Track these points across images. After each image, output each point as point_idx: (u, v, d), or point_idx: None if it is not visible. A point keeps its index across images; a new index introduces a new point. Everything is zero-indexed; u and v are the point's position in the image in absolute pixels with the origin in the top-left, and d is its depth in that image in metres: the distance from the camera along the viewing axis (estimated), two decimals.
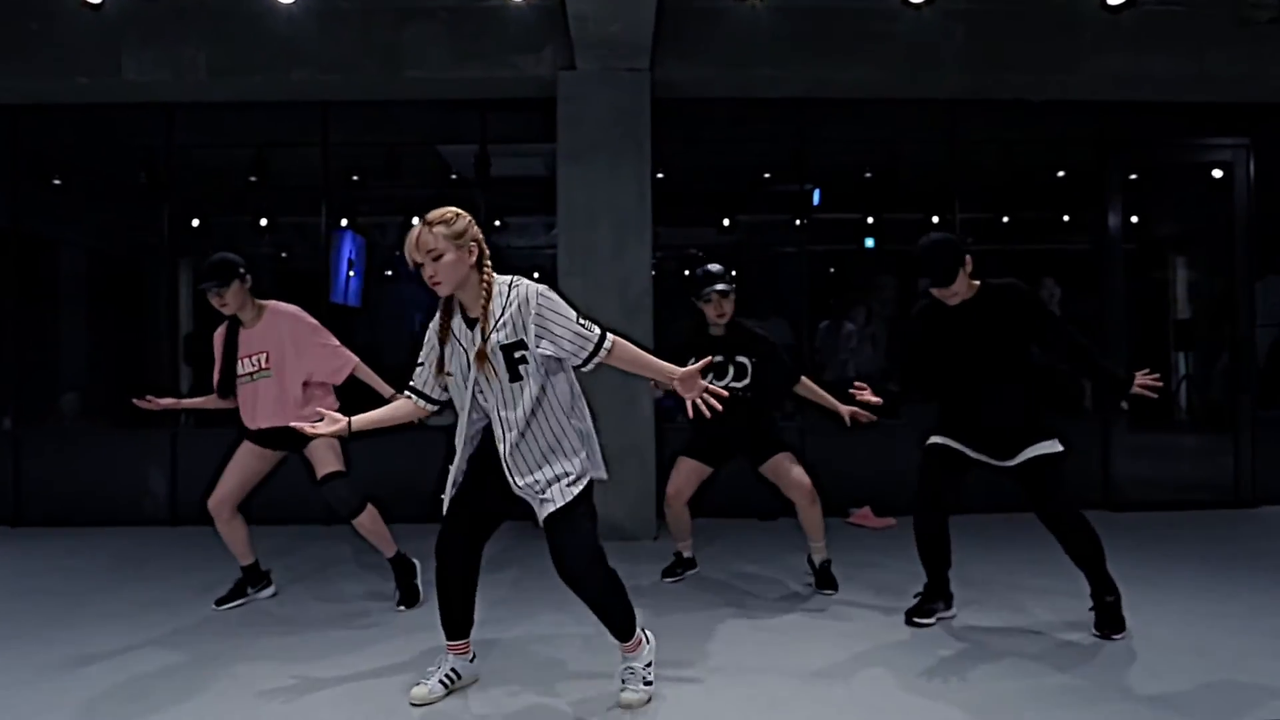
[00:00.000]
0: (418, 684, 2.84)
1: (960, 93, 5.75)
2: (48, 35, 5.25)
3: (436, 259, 2.56)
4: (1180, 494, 6.03)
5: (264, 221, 6.82)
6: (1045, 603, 3.81)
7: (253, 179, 6.46)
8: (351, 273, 7.02)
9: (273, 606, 3.95)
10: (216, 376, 3.86)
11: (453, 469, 2.76)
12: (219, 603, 3.89)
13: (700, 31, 5.33)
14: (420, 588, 3.92)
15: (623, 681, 2.82)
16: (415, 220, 2.67)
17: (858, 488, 5.81)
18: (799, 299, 6.23)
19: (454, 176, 6.62)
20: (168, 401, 3.88)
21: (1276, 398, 6.38)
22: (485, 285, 2.63)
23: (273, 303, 3.87)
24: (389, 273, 7.26)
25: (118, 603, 4.02)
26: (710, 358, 2.71)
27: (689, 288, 4.04)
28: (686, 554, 4.41)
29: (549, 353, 2.63)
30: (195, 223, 6.85)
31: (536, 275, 5.86)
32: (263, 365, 3.78)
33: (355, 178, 6.83)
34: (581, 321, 2.64)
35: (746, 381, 4.03)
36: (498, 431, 2.66)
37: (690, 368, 2.65)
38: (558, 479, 2.67)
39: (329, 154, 5.95)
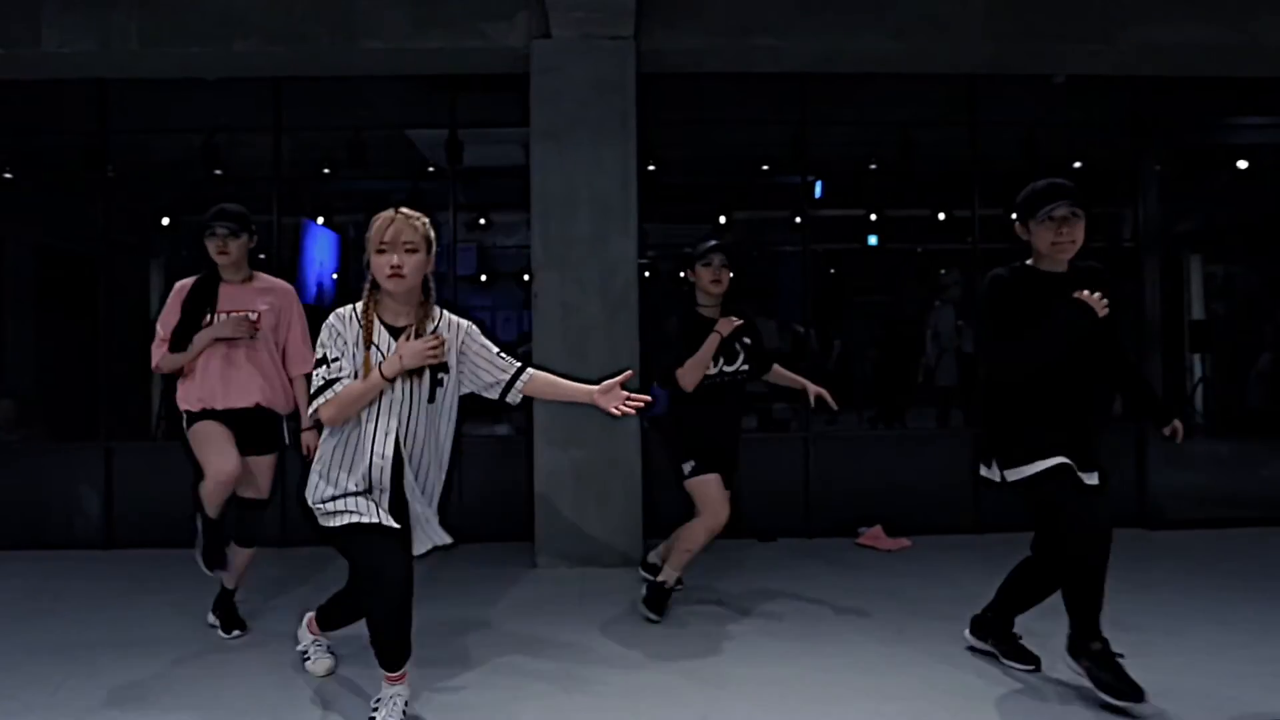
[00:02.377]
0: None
1: (982, 66, 5.19)
2: None
3: (410, 252, 2.49)
4: (1224, 509, 5.46)
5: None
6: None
7: (218, 171, 5.87)
8: (335, 275, 6.55)
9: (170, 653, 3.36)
10: (170, 329, 3.34)
11: (349, 484, 2.52)
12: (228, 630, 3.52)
13: None
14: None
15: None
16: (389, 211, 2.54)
17: (867, 506, 5.27)
18: (800, 301, 5.66)
19: (431, 169, 6.04)
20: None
21: None
22: (429, 293, 2.62)
23: (262, 274, 3.55)
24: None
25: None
26: (630, 371, 2.66)
27: (685, 261, 3.84)
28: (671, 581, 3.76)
29: (466, 386, 2.66)
30: (165, 221, 6.33)
31: (527, 278, 5.36)
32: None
33: (323, 170, 6.29)
34: (501, 354, 2.67)
35: (745, 365, 3.75)
36: (404, 450, 2.54)
37: (608, 382, 2.56)
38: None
39: (281, 140, 5.37)
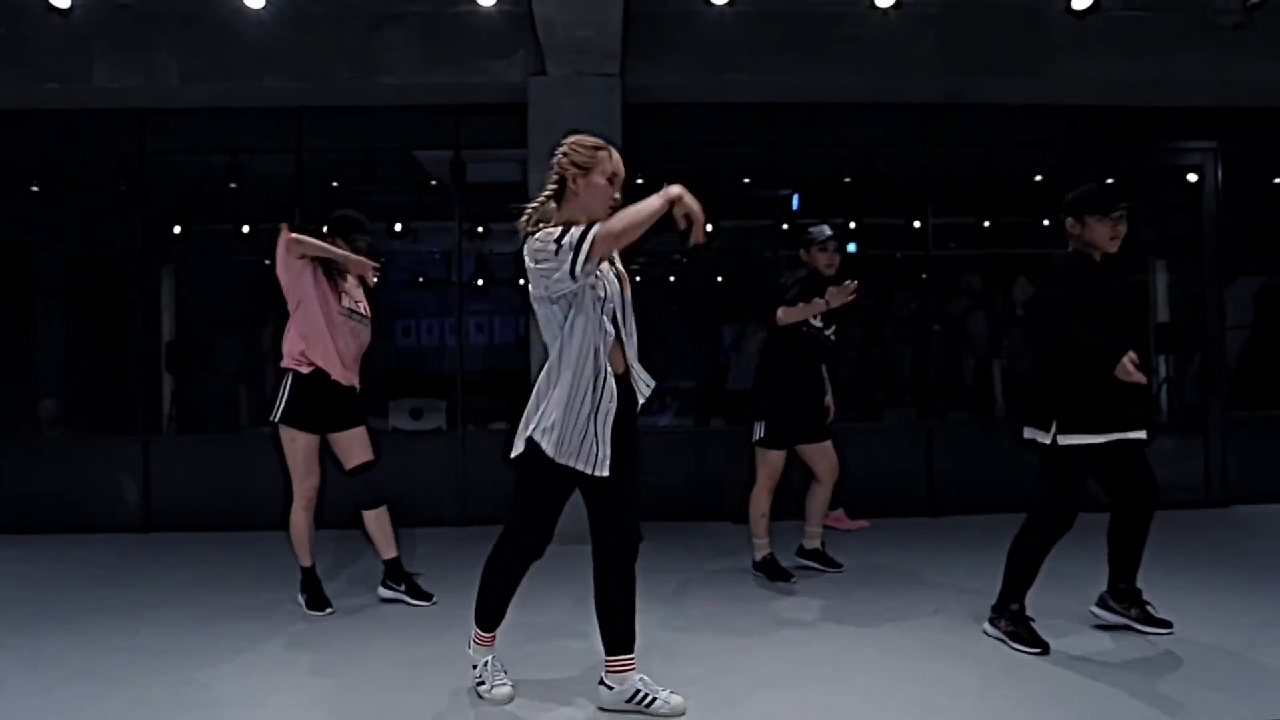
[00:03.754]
0: (498, 687, 2.83)
1: (932, 97, 5.79)
2: (17, 41, 5.23)
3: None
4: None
5: (246, 229, 6.84)
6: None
7: (233, 185, 6.45)
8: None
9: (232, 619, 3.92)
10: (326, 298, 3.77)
11: (598, 419, 2.61)
12: (316, 608, 3.85)
13: (670, 36, 5.36)
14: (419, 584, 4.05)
15: (646, 705, 2.70)
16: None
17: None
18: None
19: (434, 182, 6.62)
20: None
21: (1248, 400, 6.44)
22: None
23: None
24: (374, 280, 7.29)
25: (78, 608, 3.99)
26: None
27: (803, 243, 4.37)
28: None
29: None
30: (177, 229, 6.88)
31: (522, 282, 5.97)
32: (365, 312, 3.93)
33: (335, 184, 6.85)
34: None
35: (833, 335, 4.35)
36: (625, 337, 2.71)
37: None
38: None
39: (304, 160, 5.94)
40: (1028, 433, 3.33)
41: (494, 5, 5.03)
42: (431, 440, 6.14)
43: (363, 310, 3.94)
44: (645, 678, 2.75)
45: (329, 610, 3.85)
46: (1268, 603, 3.77)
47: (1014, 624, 3.29)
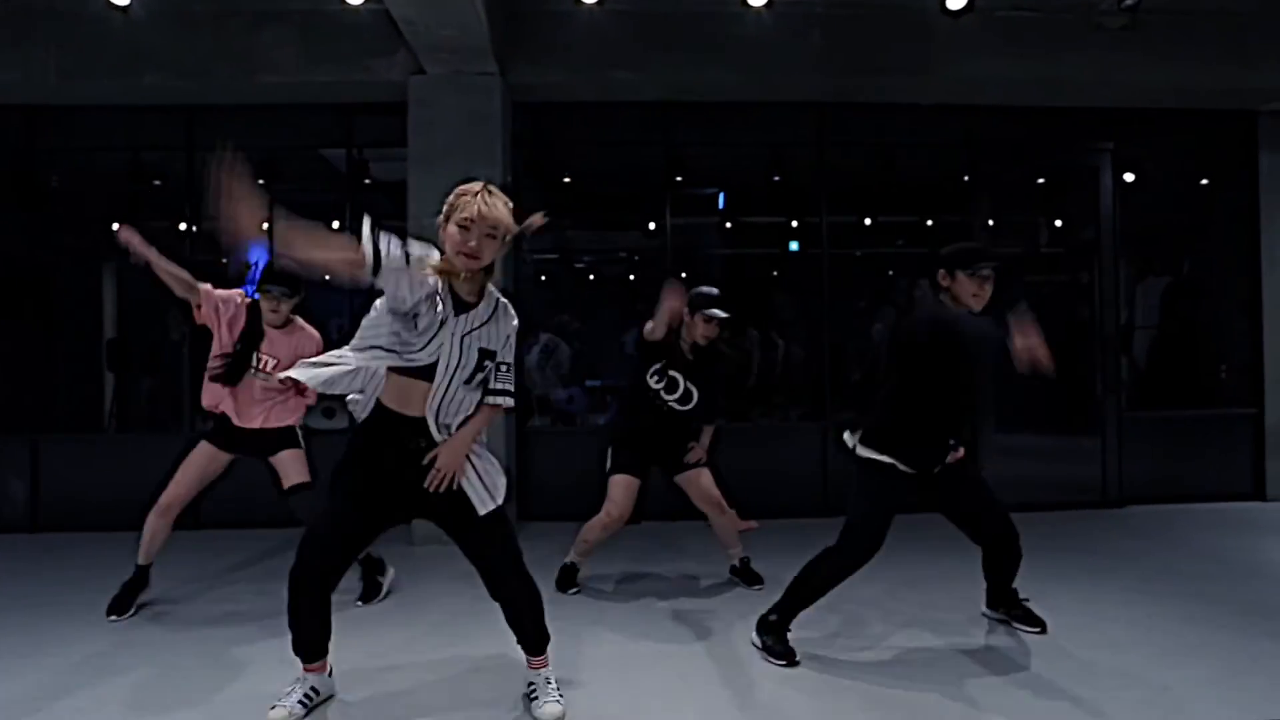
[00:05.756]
0: (274, 706, 2.71)
1: (821, 95, 5.78)
2: None
3: (491, 237, 2.46)
4: (1049, 494, 6.04)
5: (183, 226, 6.76)
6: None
7: (156, 182, 6.39)
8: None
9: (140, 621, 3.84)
10: (226, 346, 3.74)
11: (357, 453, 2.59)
12: (114, 614, 3.78)
13: (551, 35, 5.34)
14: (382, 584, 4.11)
15: (531, 697, 2.78)
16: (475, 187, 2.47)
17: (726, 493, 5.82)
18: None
19: (368, 181, 6.55)
20: (145, 251, 3.58)
21: (1153, 400, 6.44)
22: (487, 280, 2.61)
23: (299, 319, 3.91)
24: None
25: None
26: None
27: (692, 303, 3.98)
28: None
29: (491, 378, 2.64)
30: (107, 229, 6.80)
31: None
32: (269, 370, 3.79)
33: (261, 181, 6.78)
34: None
35: (689, 407, 4.09)
36: (433, 424, 2.57)
37: None
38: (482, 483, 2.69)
39: (194, 158, 5.90)
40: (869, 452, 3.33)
41: (364, 4, 5.00)
42: (337, 438, 6.08)
43: (262, 365, 3.83)
44: None
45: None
46: (1074, 594, 3.89)
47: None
